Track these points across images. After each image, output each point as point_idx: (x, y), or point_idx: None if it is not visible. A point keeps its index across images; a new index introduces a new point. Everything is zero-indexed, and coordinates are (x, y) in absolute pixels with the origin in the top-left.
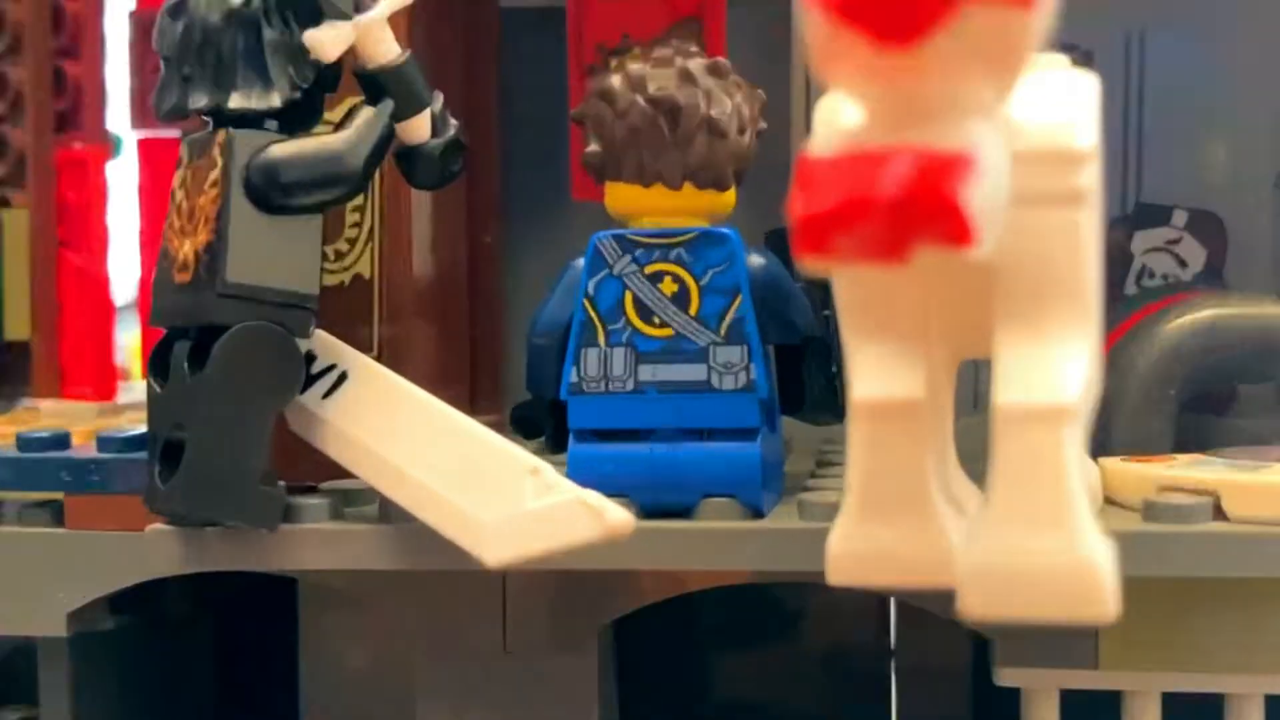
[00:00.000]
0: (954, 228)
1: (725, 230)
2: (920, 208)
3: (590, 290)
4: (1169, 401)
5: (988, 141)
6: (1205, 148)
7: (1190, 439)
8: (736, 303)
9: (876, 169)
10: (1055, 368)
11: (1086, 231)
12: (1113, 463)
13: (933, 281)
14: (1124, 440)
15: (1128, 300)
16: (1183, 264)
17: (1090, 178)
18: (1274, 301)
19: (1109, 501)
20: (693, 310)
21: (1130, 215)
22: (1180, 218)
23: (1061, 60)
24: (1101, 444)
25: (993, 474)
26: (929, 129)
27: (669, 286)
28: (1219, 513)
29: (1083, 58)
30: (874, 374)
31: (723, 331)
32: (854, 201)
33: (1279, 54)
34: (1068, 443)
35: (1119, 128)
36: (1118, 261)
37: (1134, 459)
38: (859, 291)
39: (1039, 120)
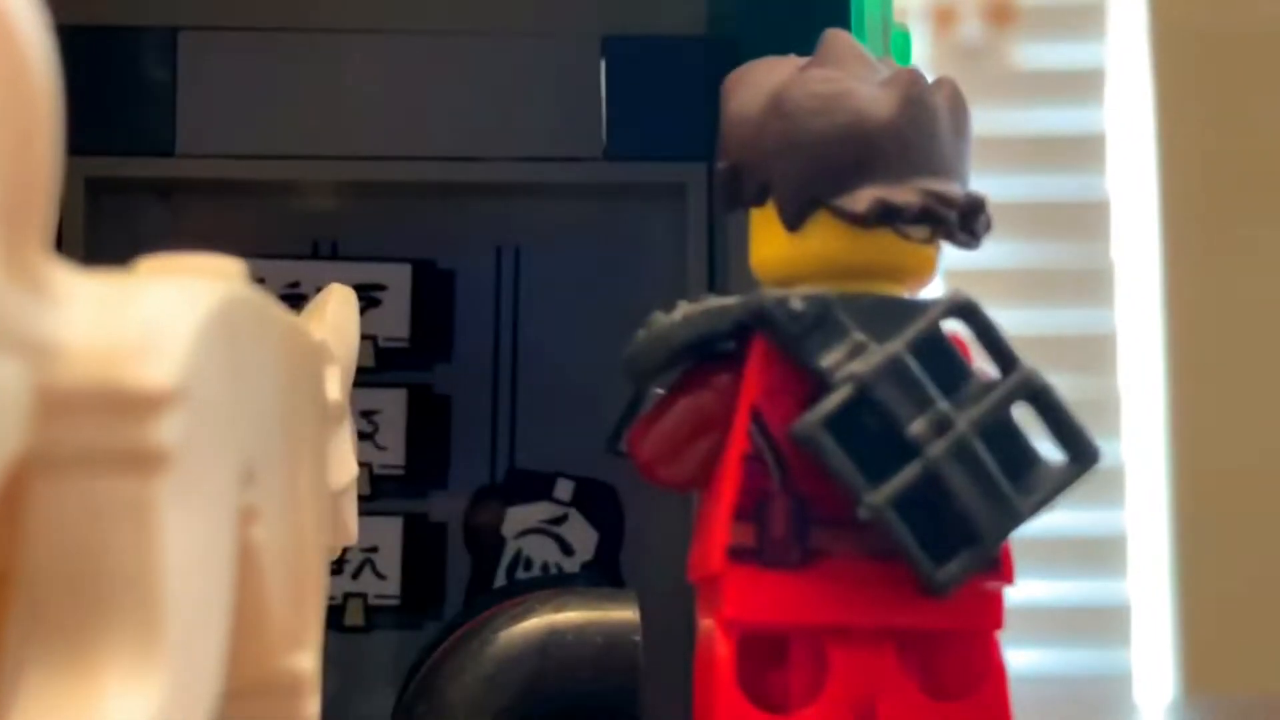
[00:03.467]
0: None
1: None
2: None
3: None
4: None
5: None
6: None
7: None
8: None
9: None
10: None
11: (168, 513)
12: None
13: None
14: None
15: (470, 605)
16: (568, 550)
17: (172, 431)
18: (627, 601)
19: None
20: None
21: (501, 485)
22: (565, 489)
23: (217, 266)
24: None
25: None
26: None
27: None
28: None
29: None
30: None
31: None
32: None
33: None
34: None
35: (488, 366)
36: (486, 548)
37: None
38: None
39: (96, 340)
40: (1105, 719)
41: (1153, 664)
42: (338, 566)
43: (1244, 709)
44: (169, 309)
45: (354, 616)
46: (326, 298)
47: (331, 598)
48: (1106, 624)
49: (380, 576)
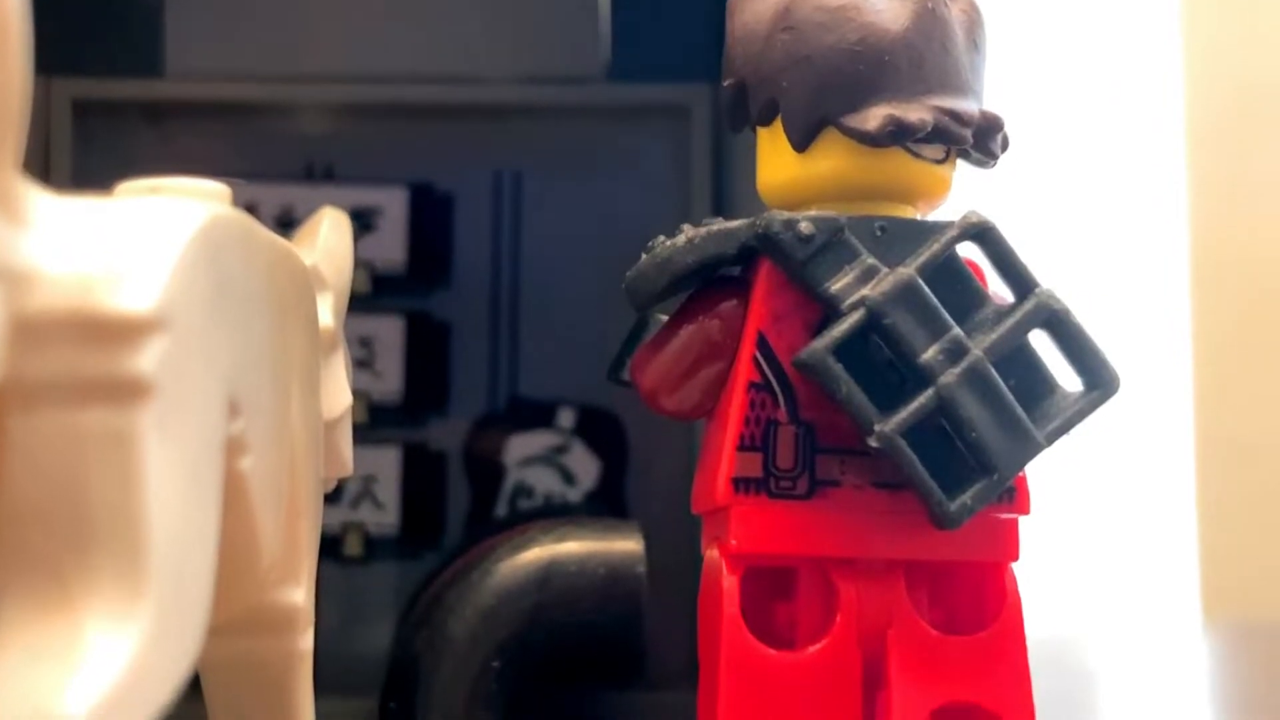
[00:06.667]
0: None
1: None
2: None
3: None
4: (490, 677)
5: None
6: (594, 323)
7: None
8: None
9: None
10: (70, 658)
11: (151, 444)
12: None
13: None
14: None
15: (470, 536)
16: (570, 479)
17: (152, 359)
18: (630, 532)
19: None
20: None
21: (504, 414)
22: (567, 417)
23: (200, 188)
24: None
25: None
26: None
27: None
28: None
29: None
30: None
31: None
32: None
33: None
34: None
35: (487, 292)
36: (487, 477)
37: None
38: None
39: (73, 265)
40: (1126, 643)
41: (1174, 586)
42: (336, 496)
43: (1265, 632)
44: (149, 232)
45: (353, 547)
46: (318, 221)
47: (330, 528)
48: (1128, 547)
49: (379, 506)
